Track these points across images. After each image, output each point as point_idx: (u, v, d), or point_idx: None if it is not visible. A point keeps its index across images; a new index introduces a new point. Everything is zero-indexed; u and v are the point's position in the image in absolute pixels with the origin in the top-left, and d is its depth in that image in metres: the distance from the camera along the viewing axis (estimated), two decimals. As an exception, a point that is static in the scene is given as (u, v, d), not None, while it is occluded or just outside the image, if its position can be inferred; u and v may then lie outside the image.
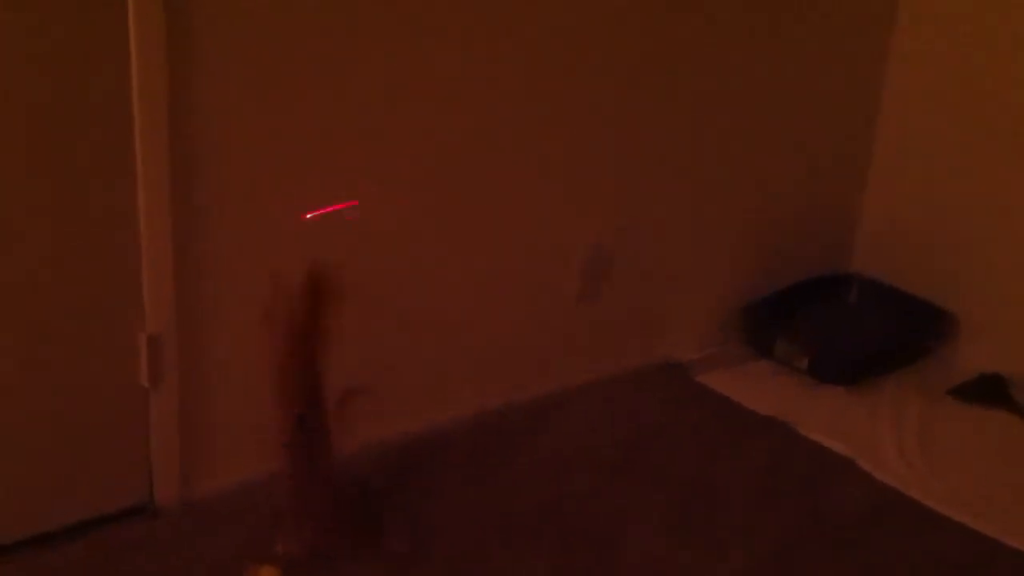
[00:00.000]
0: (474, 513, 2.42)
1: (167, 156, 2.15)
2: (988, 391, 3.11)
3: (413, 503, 2.43)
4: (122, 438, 2.32)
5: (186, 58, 2.12)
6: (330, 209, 2.25)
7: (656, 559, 2.33)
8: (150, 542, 2.28)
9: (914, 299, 3.32)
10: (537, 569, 2.26)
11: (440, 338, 2.72)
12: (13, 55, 1.98)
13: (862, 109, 3.39)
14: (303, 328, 1.91)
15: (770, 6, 3.05)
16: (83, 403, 2.24)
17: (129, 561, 2.22)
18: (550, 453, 2.70)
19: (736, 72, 3.03)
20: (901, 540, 2.48)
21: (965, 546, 2.47)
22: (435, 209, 2.60)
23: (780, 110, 3.18)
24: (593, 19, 2.70)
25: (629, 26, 2.77)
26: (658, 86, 2.88)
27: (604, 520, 2.45)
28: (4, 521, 2.20)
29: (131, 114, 2.10)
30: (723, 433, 2.88)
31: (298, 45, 2.27)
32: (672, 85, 2.91)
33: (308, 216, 2.16)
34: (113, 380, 2.26)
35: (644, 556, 2.33)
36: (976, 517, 2.55)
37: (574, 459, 2.68)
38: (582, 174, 2.83)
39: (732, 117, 3.07)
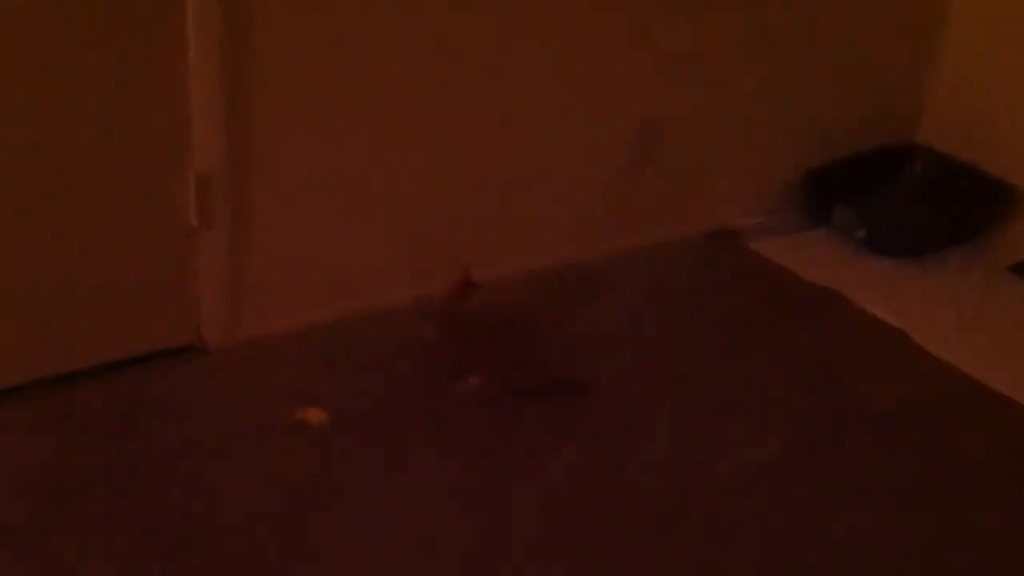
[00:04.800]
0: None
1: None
2: (1051, 270, 3.03)
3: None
4: (171, 278, 2.30)
5: None
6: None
7: (696, 434, 2.31)
8: (194, 381, 2.29)
9: (980, 174, 3.21)
10: (564, 450, 2.24)
11: (496, 198, 2.68)
12: None
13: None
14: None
15: None
16: (132, 241, 2.22)
17: (172, 397, 2.24)
18: (600, 317, 2.66)
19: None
20: (954, 418, 2.44)
21: (1018, 422, 2.43)
22: (494, 77, 2.53)
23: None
24: None
25: None
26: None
27: (644, 391, 2.42)
28: (57, 352, 2.21)
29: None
30: (774, 302, 2.83)
31: None
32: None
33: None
34: (163, 219, 2.24)
35: (681, 429, 2.31)
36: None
37: (621, 325, 2.65)
38: (639, 41, 2.72)
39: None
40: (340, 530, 1.96)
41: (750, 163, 3.11)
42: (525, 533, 2.01)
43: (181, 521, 1.93)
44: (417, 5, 2.34)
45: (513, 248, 2.76)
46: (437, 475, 2.13)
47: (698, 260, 2.98)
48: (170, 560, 1.86)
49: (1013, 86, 3.18)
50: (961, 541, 2.09)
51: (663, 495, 2.13)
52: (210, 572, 1.85)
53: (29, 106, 2.01)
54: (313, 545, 1.92)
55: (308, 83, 2.27)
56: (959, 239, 3.16)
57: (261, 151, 2.27)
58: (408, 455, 2.16)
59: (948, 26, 3.28)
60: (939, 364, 2.61)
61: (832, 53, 3.11)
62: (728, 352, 2.59)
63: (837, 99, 3.20)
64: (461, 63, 2.47)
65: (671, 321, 2.69)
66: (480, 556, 1.95)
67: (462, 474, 2.14)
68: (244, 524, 1.95)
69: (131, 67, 2.08)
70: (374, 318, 2.52)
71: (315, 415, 2.16)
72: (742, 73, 2.95)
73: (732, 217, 3.12)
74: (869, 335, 2.72)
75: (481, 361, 2.36)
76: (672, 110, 2.86)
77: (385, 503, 2.03)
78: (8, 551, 1.84)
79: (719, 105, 2.95)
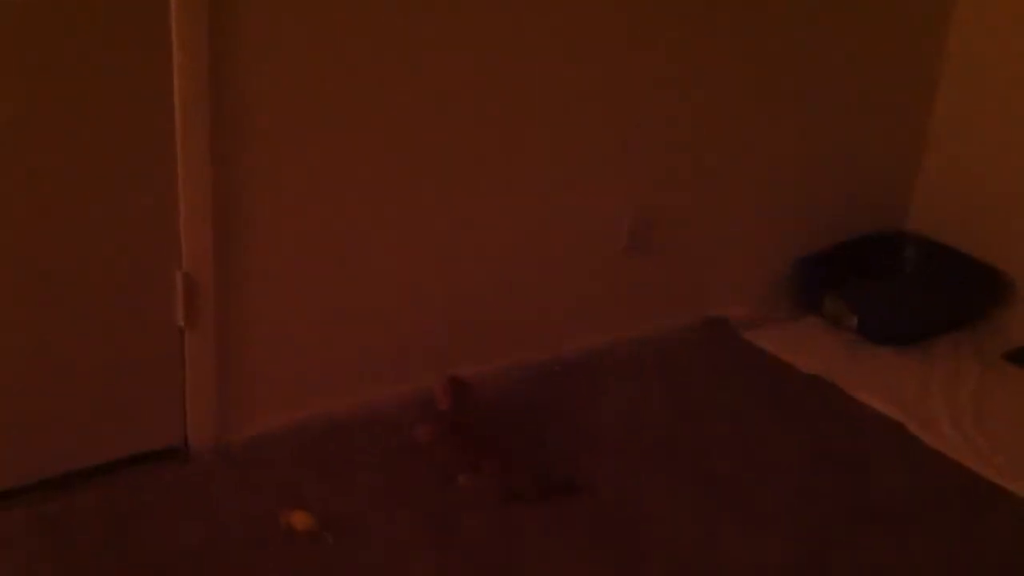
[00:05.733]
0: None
1: (207, 94, 2.08)
2: (1045, 357, 3.02)
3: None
4: (157, 379, 2.28)
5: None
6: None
7: (693, 527, 2.27)
8: (182, 485, 2.25)
9: (971, 260, 3.21)
10: (565, 554, 2.18)
11: (489, 293, 2.66)
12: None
13: (924, 64, 3.27)
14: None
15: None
16: (118, 342, 2.20)
17: (161, 502, 2.19)
18: (596, 410, 2.64)
19: (792, 26, 2.91)
20: (951, 510, 2.41)
21: (1013, 512, 2.40)
22: (485, 168, 2.53)
23: (838, 63, 3.06)
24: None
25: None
26: (709, 44, 2.78)
27: (644, 490, 2.38)
28: (37, 458, 2.17)
29: (170, 42, 2.03)
30: (768, 391, 2.81)
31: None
32: (723, 42, 2.80)
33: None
34: (149, 319, 2.22)
35: (684, 529, 2.27)
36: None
37: (618, 418, 2.62)
38: (635, 131, 2.74)
39: (787, 72, 2.96)
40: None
41: (741, 252, 3.11)
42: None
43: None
44: (403, 102, 2.35)
45: (507, 341, 2.74)
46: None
47: (692, 351, 2.96)
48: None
49: (1002, 173, 3.20)
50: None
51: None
52: None
53: (18, 206, 2.01)
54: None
55: (296, 183, 2.27)
56: (952, 327, 3.15)
57: (248, 250, 2.26)
58: (408, 558, 2.11)
59: (937, 114, 3.32)
60: (935, 455, 2.58)
61: (821, 142, 3.14)
62: (727, 447, 2.55)
63: (827, 188, 3.21)
64: (452, 157, 2.47)
65: (668, 415, 2.66)
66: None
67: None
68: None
69: (121, 169, 2.08)
70: (366, 416, 2.49)
71: (301, 520, 2.11)
72: (734, 164, 2.97)
73: (725, 306, 3.11)
74: (864, 425, 2.70)
75: (476, 461, 2.32)
76: (666, 201, 2.87)
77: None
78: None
79: (711, 195, 2.96)
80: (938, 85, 3.29)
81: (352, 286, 2.43)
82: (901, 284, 3.28)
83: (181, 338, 2.25)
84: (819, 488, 2.43)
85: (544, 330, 2.80)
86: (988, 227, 3.23)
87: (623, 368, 2.83)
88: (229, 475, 2.29)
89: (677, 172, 2.87)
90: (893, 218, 3.41)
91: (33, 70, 1.93)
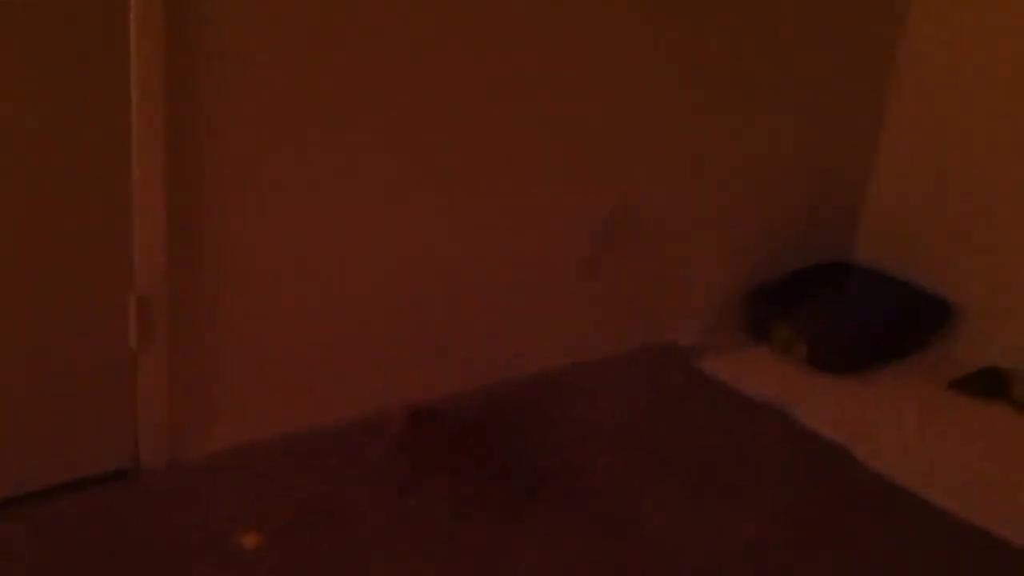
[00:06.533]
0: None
1: (162, 109, 2.09)
2: (989, 385, 3.07)
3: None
4: (109, 400, 2.28)
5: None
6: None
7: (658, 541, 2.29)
8: (134, 506, 2.24)
9: (916, 289, 3.28)
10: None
11: (441, 312, 2.68)
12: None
13: (869, 98, 3.35)
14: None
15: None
16: (70, 363, 2.20)
17: (112, 524, 2.18)
18: (549, 435, 2.66)
19: (743, 56, 2.98)
20: (895, 531, 2.45)
21: (962, 539, 2.44)
22: (440, 189, 2.56)
23: (787, 96, 3.13)
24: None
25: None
26: (665, 69, 2.84)
27: (611, 502, 2.41)
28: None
29: (126, 53, 2.04)
30: (718, 418, 2.84)
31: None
32: (679, 68, 2.86)
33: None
34: (101, 341, 2.22)
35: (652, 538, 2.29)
36: (974, 510, 2.51)
37: (570, 444, 2.64)
38: (586, 156, 2.78)
39: (738, 102, 3.02)
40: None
41: (694, 280, 3.15)
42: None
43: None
44: (367, 114, 2.38)
45: (460, 363, 2.75)
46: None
47: (644, 377, 2.99)
48: None
49: (947, 203, 3.27)
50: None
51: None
52: None
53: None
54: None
55: (250, 204, 2.29)
56: (899, 355, 3.20)
57: (204, 272, 2.28)
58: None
59: (882, 145, 3.39)
60: (881, 481, 2.62)
61: (771, 172, 3.20)
62: (678, 469, 2.58)
63: (776, 219, 3.27)
64: (412, 177, 2.50)
65: (621, 441, 2.68)
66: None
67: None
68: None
69: (73, 190, 2.09)
70: (322, 435, 2.51)
71: (252, 541, 2.12)
72: (687, 194, 3.02)
73: (677, 334, 3.15)
74: (813, 453, 2.73)
75: (425, 479, 2.34)
76: (620, 225, 2.91)
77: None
78: None
79: (665, 224, 3.01)
80: (883, 120, 3.37)
81: (308, 306, 2.45)
82: (849, 313, 3.33)
83: (134, 360, 2.26)
84: (765, 507, 2.47)
85: (499, 352, 2.82)
86: (933, 257, 3.30)
87: (576, 393, 2.85)
88: (180, 495, 2.29)
89: (631, 202, 2.91)
90: (840, 249, 3.48)
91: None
